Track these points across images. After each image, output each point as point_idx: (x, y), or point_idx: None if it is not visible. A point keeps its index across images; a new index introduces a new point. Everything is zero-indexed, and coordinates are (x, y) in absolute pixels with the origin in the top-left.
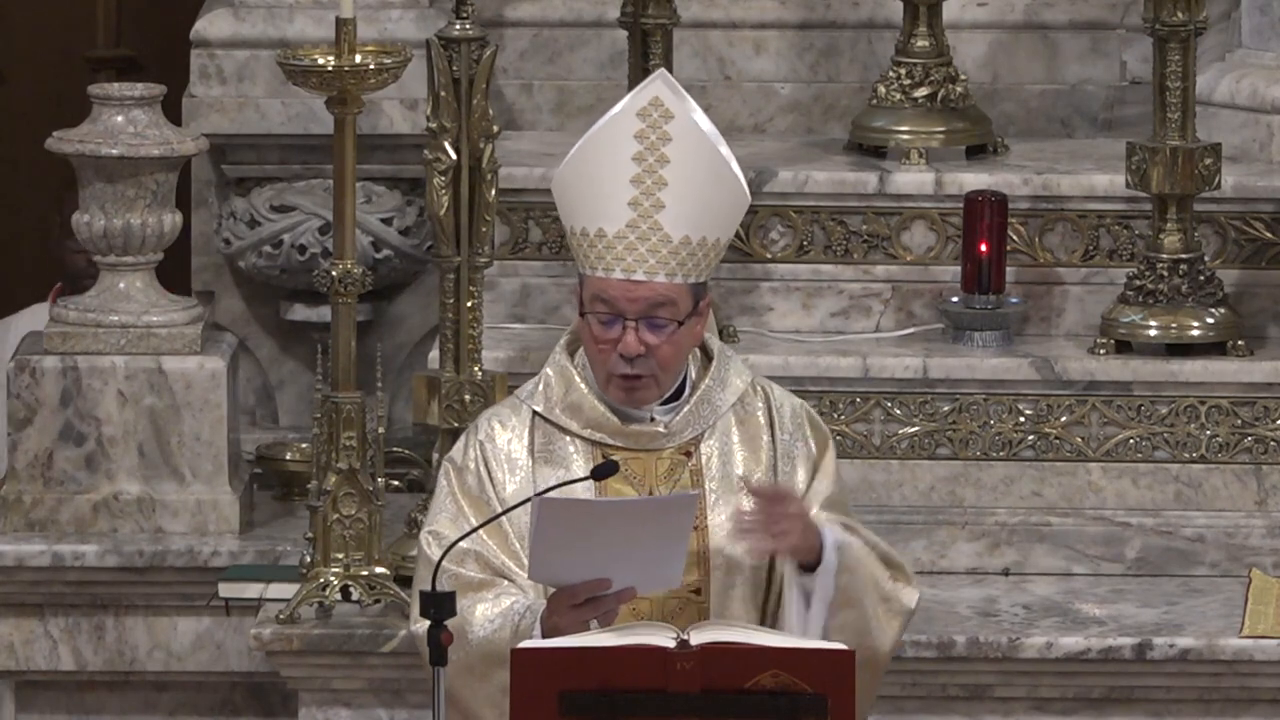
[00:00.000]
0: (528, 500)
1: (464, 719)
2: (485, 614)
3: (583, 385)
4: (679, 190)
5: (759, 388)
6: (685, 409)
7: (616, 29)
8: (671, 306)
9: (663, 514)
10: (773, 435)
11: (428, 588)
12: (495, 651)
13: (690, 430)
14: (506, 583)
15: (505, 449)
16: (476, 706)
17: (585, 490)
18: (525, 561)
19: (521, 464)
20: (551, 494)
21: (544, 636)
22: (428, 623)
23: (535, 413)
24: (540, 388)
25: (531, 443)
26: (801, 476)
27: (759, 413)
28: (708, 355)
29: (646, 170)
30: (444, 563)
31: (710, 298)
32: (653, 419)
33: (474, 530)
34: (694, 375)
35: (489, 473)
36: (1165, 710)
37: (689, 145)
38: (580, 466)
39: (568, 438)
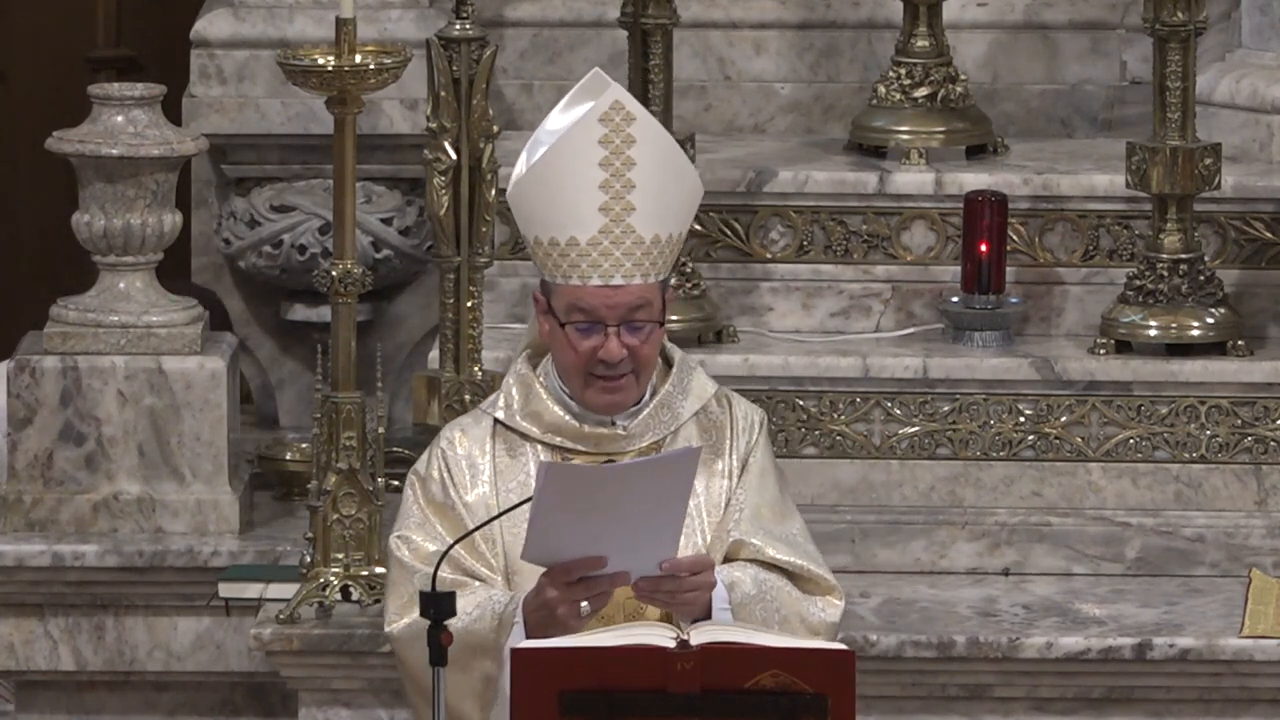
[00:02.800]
0: (506, 512)
1: (446, 716)
2: (463, 606)
3: (542, 392)
4: (647, 191)
5: (724, 398)
6: (644, 413)
7: (616, 29)
8: (649, 308)
9: (665, 473)
10: (733, 443)
11: (405, 590)
12: (476, 642)
13: (650, 435)
14: (479, 582)
15: (467, 456)
16: (458, 700)
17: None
18: (494, 564)
19: (483, 471)
20: (558, 463)
21: (527, 620)
22: (403, 622)
23: (496, 420)
24: (501, 397)
25: (493, 450)
26: (752, 480)
27: (724, 423)
28: (667, 361)
29: (614, 175)
30: (417, 564)
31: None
32: (613, 422)
33: (454, 545)
34: (654, 380)
35: (452, 480)
36: (1165, 710)
37: (652, 144)
38: None
39: (528, 444)
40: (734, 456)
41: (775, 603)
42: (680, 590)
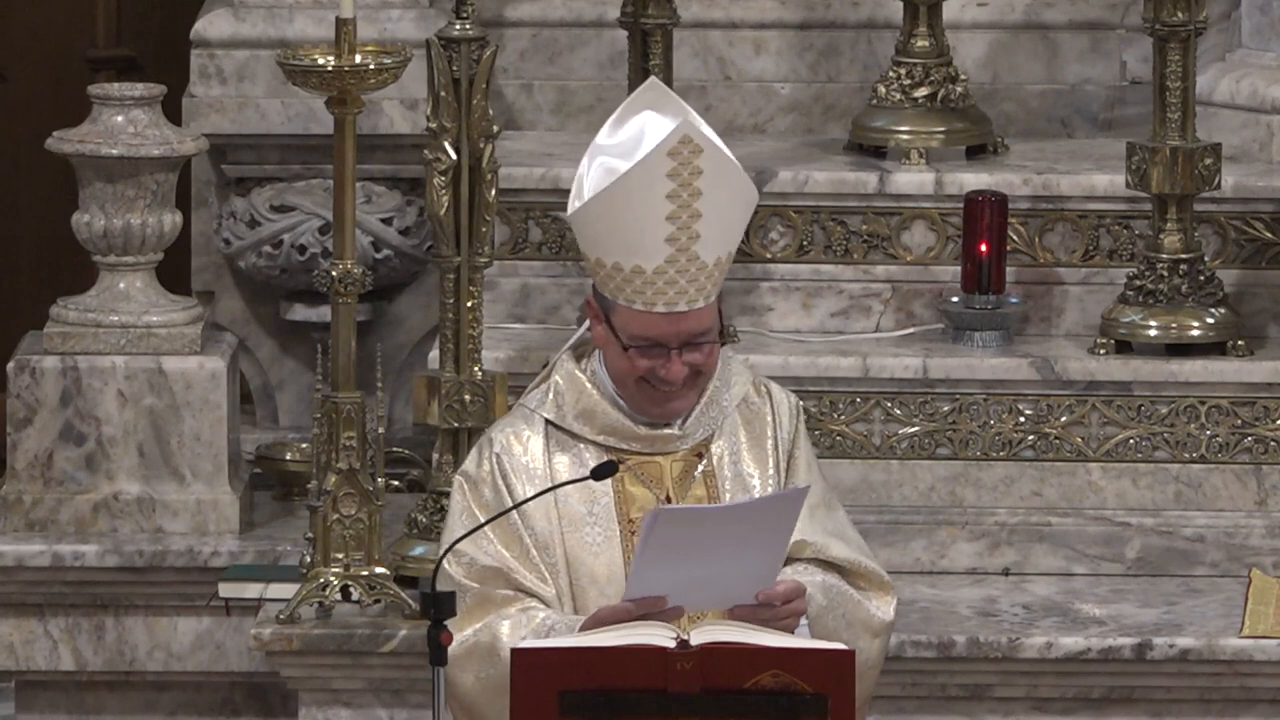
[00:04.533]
0: (514, 508)
1: None
2: (516, 630)
3: (594, 392)
4: (712, 218)
5: (761, 387)
6: (696, 410)
7: (616, 29)
8: (710, 329)
9: (773, 512)
10: (776, 434)
11: (458, 609)
12: None
13: (702, 431)
14: (531, 599)
15: (522, 460)
16: None
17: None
18: (547, 575)
19: (539, 474)
20: (670, 506)
21: None
22: (454, 641)
23: (548, 421)
24: (550, 396)
25: (547, 451)
26: (802, 473)
27: (765, 412)
28: None
29: (682, 206)
30: (467, 581)
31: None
32: (666, 423)
33: (479, 527)
34: None
35: (507, 486)
36: (1165, 710)
37: (719, 174)
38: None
39: (582, 444)
40: (780, 448)
41: (842, 609)
42: (776, 619)
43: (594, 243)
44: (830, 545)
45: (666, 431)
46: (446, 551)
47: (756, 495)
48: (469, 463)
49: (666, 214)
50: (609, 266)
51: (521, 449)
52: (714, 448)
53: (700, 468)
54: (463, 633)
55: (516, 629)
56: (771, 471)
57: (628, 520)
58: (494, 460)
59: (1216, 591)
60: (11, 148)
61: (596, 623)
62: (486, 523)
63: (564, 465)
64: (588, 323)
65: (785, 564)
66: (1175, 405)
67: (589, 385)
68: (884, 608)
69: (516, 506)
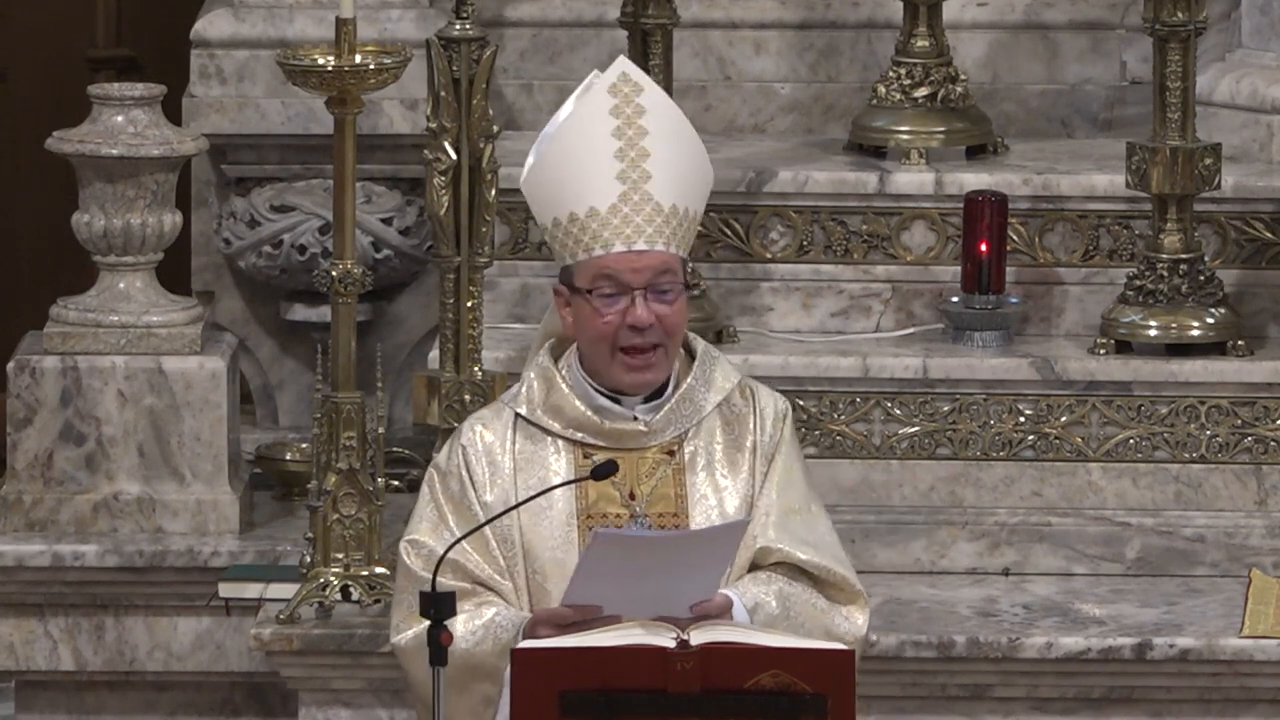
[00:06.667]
0: (512, 509)
1: None
2: (468, 626)
3: (564, 386)
4: (662, 159)
5: (747, 389)
6: (667, 407)
7: (616, 29)
8: (673, 274)
9: (713, 542)
10: (756, 439)
11: (412, 600)
12: (476, 664)
13: (672, 429)
14: (488, 593)
15: (487, 453)
16: (457, 717)
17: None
18: (505, 569)
19: (503, 467)
20: (609, 529)
21: None
22: (410, 633)
23: (518, 415)
24: (523, 390)
25: (513, 445)
26: (776, 480)
27: (748, 415)
28: (690, 353)
29: (628, 143)
30: (425, 573)
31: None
32: (635, 417)
33: (458, 540)
34: (677, 372)
35: (470, 477)
36: (1165, 710)
37: (662, 116)
38: (561, 468)
39: (549, 439)
40: (758, 452)
41: (800, 618)
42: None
43: (549, 202)
44: (797, 551)
45: (632, 427)
46: (443, 556)
47: (725, 504)
48: (441, 454)
49: (613, 151)
50: (566, 222)
51: (487, 441)
52: (687, 446)
53: (671, 465)
54: (419, 625)
55: (469, 624)
56: (745, 476)
57: (586, 516)
58: (460, 453)
59: (1216, 591)
60: (11, 148)
61: (534, 623)
62: (478, 528)
63: (527, 459)
64: (546, 315)
65: (750, 569)
66: (1175, 405)
67: (559, 380)
68: (853, 617)
69: (510, 510)
